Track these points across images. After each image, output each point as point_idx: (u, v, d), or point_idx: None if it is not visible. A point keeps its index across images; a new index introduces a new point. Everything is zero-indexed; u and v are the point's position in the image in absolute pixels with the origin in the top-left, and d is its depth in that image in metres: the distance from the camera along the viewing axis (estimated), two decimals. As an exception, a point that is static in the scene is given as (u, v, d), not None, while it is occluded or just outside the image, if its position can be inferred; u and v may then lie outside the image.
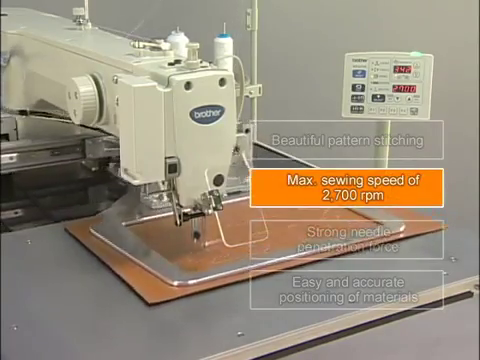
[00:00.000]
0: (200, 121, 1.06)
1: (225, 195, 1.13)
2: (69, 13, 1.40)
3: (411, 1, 2.49)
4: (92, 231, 1.22)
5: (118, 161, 1.40)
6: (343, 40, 2.28)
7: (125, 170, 1.07)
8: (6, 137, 1.47)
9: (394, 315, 1.04)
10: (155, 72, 1.06)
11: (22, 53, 1.42)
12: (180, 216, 1.12)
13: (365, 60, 1.64)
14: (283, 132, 2.29)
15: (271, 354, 0.95)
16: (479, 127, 2.58)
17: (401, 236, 1.22)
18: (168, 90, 1.03)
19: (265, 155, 1.83)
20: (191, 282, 1.07)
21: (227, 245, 1.09)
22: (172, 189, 1.10)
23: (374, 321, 1.03)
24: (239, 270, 1.10)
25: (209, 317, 1.01)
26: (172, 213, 1.24)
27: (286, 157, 1.78)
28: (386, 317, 1.03)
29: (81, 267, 1.15)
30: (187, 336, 0.97)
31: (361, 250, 1.16)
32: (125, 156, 1.07)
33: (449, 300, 1.08)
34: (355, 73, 1.65)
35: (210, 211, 1.09)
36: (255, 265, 1.11)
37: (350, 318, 1.01)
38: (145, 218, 1.28)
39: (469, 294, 1.10)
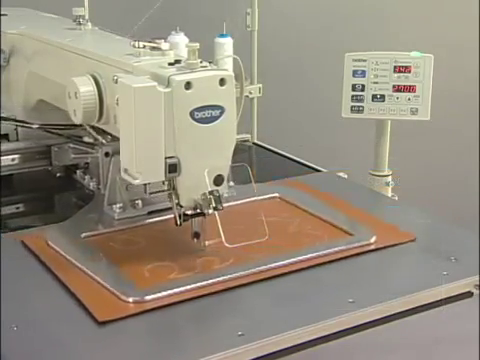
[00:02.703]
0: (200, 121, 1.06)
1: (225, 195, 1.12)
2: (69, 13, 1.40)
3: (411, 1, 2.50)
4: (49, 243, 1.17)
5: (85, 168, 1.37)
6: (343, 40, 2.28)
7: (125, 170, 1.07)
8: (6, 137, 1.47)
9: (394, 315, 1.04)
10: (155, 72, 1.06)
11: (22, 53, 1.42)
12: (180, 216, 1.12)
13: (365, 60, 1.65)
14: (283, 132, 2.30)
15: (271, 354, 0.95)
16: (479, 127, 2.58)
17: (372, 248, 1.18)
18: (168, 90, 1.03)
19: (265, 155, 1.83)
20: (148, 298, 1.03)
21: (227, 245, 1.09)
22: (172, 189, 1.10)
23: (374, 321, 1.02)
24: (201, 284, 1.06)
25: (209, 317, 1.01)
26: (135, 224, 1.24)
27: (286, 157, 1.78)
28: (386, 317, 1.03)
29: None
30: (187, 336, 0.97)
31: (334, 261, 1.13)
32: (125, 156, 1.07)
33: (449, 300, 1.08)
34: (355, 73, 1.65)
35: (210, 211, 1.09)
36: (220, 278, 1.07)
37: (350, 318, 1.01)
38: (107, 229, 1.23)
39: (469, 294, 1.10)
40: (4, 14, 1.52)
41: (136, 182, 1.06)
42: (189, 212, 1.12)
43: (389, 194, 1.68)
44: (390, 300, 1.04)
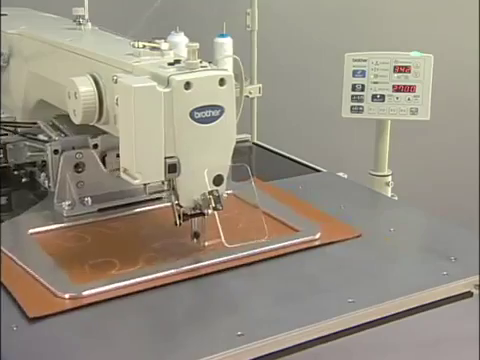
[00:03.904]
0: (200, 121, 1.06)
1: (225, 195, 1.12)
2: (69, 13, 1.40)
3: (411, 1, 2.49)
4: None
5: (43, 166, 1.34)
6: (343, 40, 2.28)
7: (125, 170, 1.07)
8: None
9: (394, 315, 1.04)
10: (155, 72, 1.06)
11: (22, 53, 1.42)
12: (180, 216, 1.12)
13: (365, 60, 1.65)
14: (283, 132, 2.31)
15: (271, 354, 0.95)
16: (479, 127, 2.58)
17: (317, 243, 1.19)
18: (168, 90, 1.03)
19: (265, 155, 1.83)
20: (85, 293, 1.02)
21: (227, 245, 1.08)
22: (172, 189, 1.10)
23: (374, 321, 1.02)
24: (141, 279, 1.06)
25: (209, 317, 1.01)
26: (83, 221, 1.25)
27: (286, 157, 1.78)
28: (386, 317, 1.03)
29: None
30: (187, 336, 0.97)
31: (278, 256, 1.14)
32: (125, 156, 1.07)
33: (449, 300, 1.08)
34: (355, 73, 1.65)
35: (210, 211, 1.09)
36: (174, 270, 1.09)
37: (350, 318, 1.01)
38: (54, 226, 1.24)
39: (469, 294, 1.10)
40: (4, 14, 1.51)
41: (136, 182, 1.06)
42: (188, 212, 1.12)
43: (389, 194, 1.68)
44: (390, 300, 1.04)
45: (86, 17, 1.38)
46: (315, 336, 0.98)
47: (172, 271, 1.09)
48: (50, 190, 1.32)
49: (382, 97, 1.65)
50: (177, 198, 1.10)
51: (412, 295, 1.06)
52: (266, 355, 0.95)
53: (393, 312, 1.04)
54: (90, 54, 1.20)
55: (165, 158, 1.05)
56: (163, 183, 1.10)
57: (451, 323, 1.12)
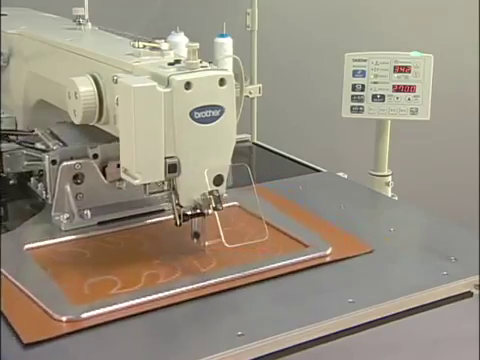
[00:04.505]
0: (200, 121, 1.06)
1: (225, 195, 1.12)
2: (69, 13, 1.40)
3: (411, 1, 2.50)
4: None
5: (40, 176, 1.29)
6: (343, 40, 2.28)
7: (125, 170, 1.07)
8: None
9: (394, 315, 1.04)
10: (155, 72, 1.06)
11: (22, 53, 1.42)
12: (180, 216, 1.12)
13: (365, 60, 1.65)
14: (283, 132, 2.31)
15: (271, 354, 0.95)
16: (479, 127, 2.58)
17: (327, 260, 1.15)
18: (168, 90, 1.03)
19: (265, 155, 1.83)
20: (84, 316, 0.97)
21: (227, 245, 1.08)
22: (172, 189, 1.10)
23: (374, 321, 1.03)
24: (142, 300, 1.02)
25: (209, 317, 1.01)
26: (82, 235, 1.20)
27: (286, 157, 1.78)
28: (386, 317, 1.03)
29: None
30: (187, 336, 0.97)
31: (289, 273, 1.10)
32: (125, 156, 1.07)
33: (449, 300, 1.08)
34: (355, 73, 1.65)
35: (210, 211, 1.09)
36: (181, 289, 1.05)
37: (350, 318, 1.01)
38: (52, 241, 1.18)
39: (469, 294, 1.10)
40: (4, 14, 1.52)
41: (136, 182, 1.05)
42: (189, 212, 1.12)
43: (389, 194, 1.68)
44: (390, 300, 1.04)
45: (86, 17, 1.38)
46: (315, 336, 0.98)
47: (175, 291, 1.04)
48: (47, 202, 1.27)
49: (382, 97, 1.65)
50: (177, 198, 1.10)
51: (412, 295, 1.06)
52: (266, 355, 0.95)
53: (393, 312, 1.04)
54: (90, 54, 1.20)
55: (165, 158, 1.05)
56: (163, 183, 1.10)
57: (451, 323, 1.12)
